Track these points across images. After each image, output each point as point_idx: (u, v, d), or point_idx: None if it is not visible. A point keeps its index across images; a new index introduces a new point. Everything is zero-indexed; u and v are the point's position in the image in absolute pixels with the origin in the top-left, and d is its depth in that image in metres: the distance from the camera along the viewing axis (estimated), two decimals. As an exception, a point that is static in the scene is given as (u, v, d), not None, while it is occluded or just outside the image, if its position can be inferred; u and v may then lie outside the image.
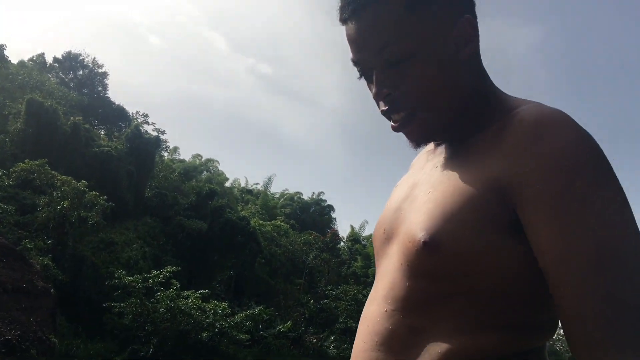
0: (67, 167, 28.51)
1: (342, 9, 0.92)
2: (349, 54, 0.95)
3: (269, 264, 37.03)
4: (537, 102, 0.89)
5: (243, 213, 37.89)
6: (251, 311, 26.32)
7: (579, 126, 0.82)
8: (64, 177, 24.88)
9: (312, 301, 36.34)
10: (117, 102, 49.67)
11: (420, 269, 0.87)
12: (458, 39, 0.91)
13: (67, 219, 23.63)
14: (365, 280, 52.04)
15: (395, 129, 0.95)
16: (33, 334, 15.04)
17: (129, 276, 21.02)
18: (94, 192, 24.44)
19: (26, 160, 25.75)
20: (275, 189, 61.07)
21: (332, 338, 34.27)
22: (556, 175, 0.78)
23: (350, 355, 0.96)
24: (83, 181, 24.60)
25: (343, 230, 71.40)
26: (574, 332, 0.77)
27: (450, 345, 0.82)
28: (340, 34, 0.95)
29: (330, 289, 38.27)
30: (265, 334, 29.01)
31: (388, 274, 0.94)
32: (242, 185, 55.27)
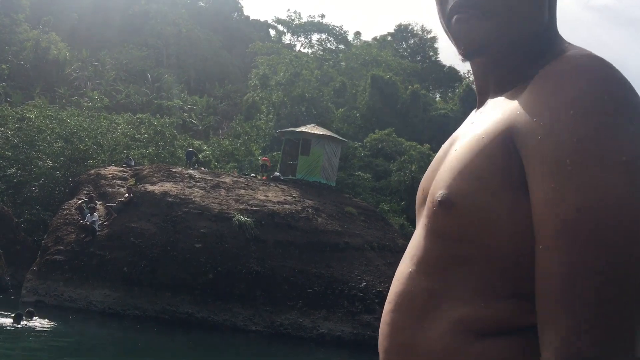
0: (410, 133, 30.69)
1: None
2: None
3: None
4: (581, 50, 0.82)
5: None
6: None
7: (612, 77, 0.74)
8: (410, 143, 26.89)
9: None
10: (447, 64, 50.92)
11: (436, 229, 0.84)
12: None
13: (416, 181, 25.57)
14: None
15: (457, 20, 0.89)
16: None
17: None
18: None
19: (376, 131, 28.61)
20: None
21: None
22: (562, 126, 0.72)
23: None
24: (427, 145, 26.19)
25: None
26: (537, 297, 0.72)
27: (465, 312, 0.79)
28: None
29: None
30: None
31: (417, 234, 0.92)
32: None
